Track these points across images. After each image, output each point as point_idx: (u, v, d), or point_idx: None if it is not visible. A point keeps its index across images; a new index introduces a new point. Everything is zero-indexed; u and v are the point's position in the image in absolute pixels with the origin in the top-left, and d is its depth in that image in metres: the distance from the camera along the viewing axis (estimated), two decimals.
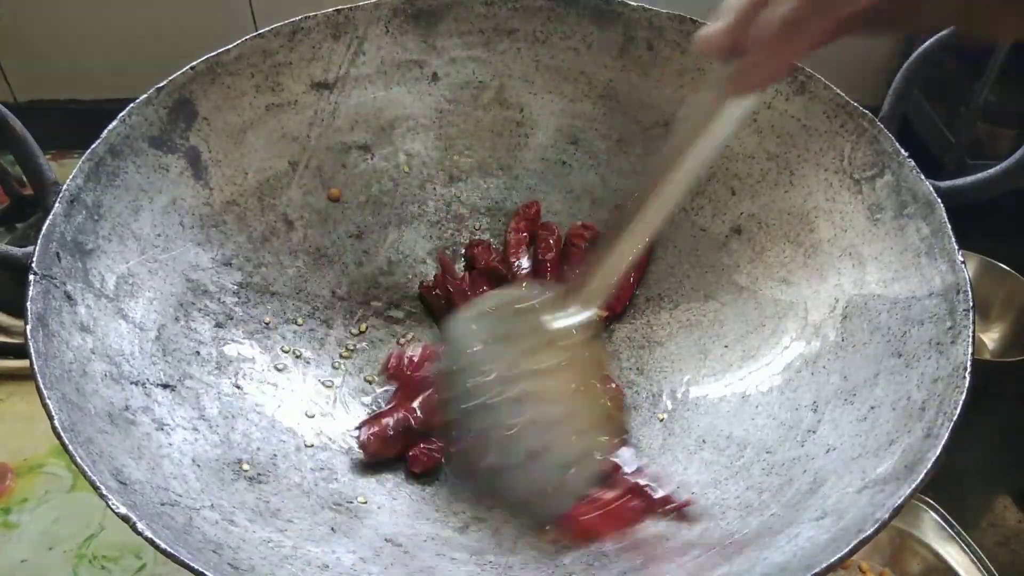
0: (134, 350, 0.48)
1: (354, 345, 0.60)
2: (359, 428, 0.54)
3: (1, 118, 0.49)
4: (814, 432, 0.49)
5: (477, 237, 0.66)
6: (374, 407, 0.56)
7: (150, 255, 0.52)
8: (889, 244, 0.53)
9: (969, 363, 0.44)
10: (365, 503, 0.49)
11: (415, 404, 0.54)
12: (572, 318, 0.42)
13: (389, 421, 0.53)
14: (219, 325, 0.55)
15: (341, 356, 0.59)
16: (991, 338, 0.78)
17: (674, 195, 0.39)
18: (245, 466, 0.48)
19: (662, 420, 0.56)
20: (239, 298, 0.57)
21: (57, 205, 0.48)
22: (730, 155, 0.62)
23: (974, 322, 0.46)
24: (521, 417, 0.41)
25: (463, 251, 0.66)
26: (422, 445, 0.52)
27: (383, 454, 0.52)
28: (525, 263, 0.63)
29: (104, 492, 0.38)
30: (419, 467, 0.52)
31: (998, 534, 0.65)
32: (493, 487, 0.43)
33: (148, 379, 0.48)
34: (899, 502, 0.40)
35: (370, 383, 0.58)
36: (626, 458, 0.51)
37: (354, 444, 0.53)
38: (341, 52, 0.62)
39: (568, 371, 0.42)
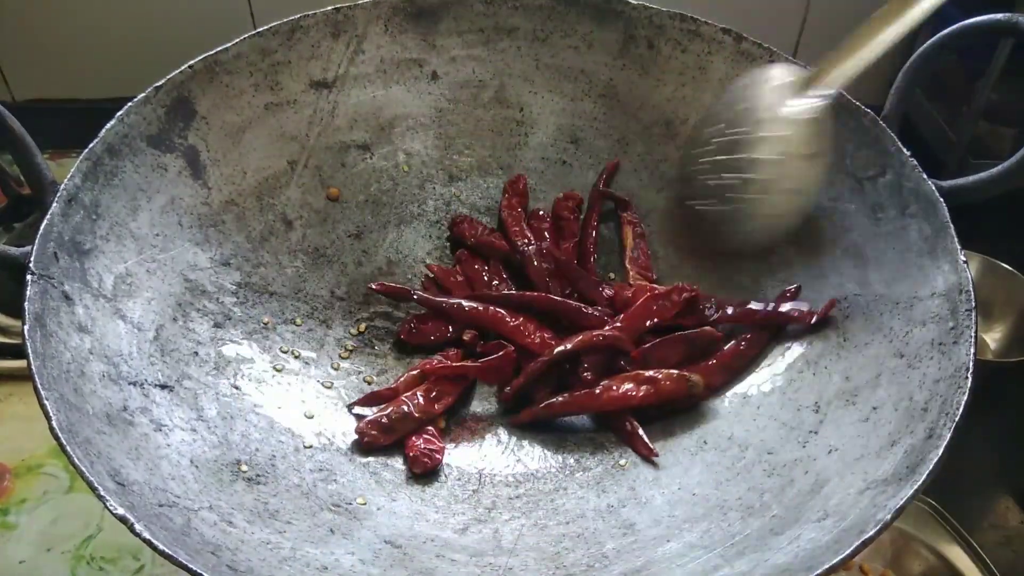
0: (132, 350, 0.48)
1: (353, 346, 0.60)
2: (352, 410, 0.55)
3: None
4: (816, 433, 0.49)
5: (458, 212, 0.66)
6: (373, 408, 0.56)
7: (148, 255, 0.52)
8: (891, 244, 0.53)
9: (971, 363, 0.44)
10: (364, 504, 0.49)
11: (418, 392, 0.54)
12: (805, 99, 0.49)
13: (387, 411, 0.53)
14: (218, 325, 0.54)
15: (340, 357, 0.59)
16: (993, 338, 0.77)
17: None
18: (244, 467, 0.48)
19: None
20: (238, 298, 0.57)
21: (55, 205, 0.48)
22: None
23: (976, 322, 0.46)
24: (750, 166, 0.50)
25: (448, 232, 0.66)
26: (423, 445, 0.52)
27: (378, 443, 0.53)
28: (528, 235, 0.63)
29: (102, 493, 0.38)
30: (419, 468, 0.52)
31: (1000, 535, 0.65)
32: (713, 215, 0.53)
33: (146, 380, 0.48)
34: (901, 503, 0.39)
35: (369, 384, 0.58)
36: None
37: (354, 446, 0.53)
38: (340, 51, 0.62)
39: (793, 141, 0.49)
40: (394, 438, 0.53)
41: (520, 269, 0.61)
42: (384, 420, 0.53)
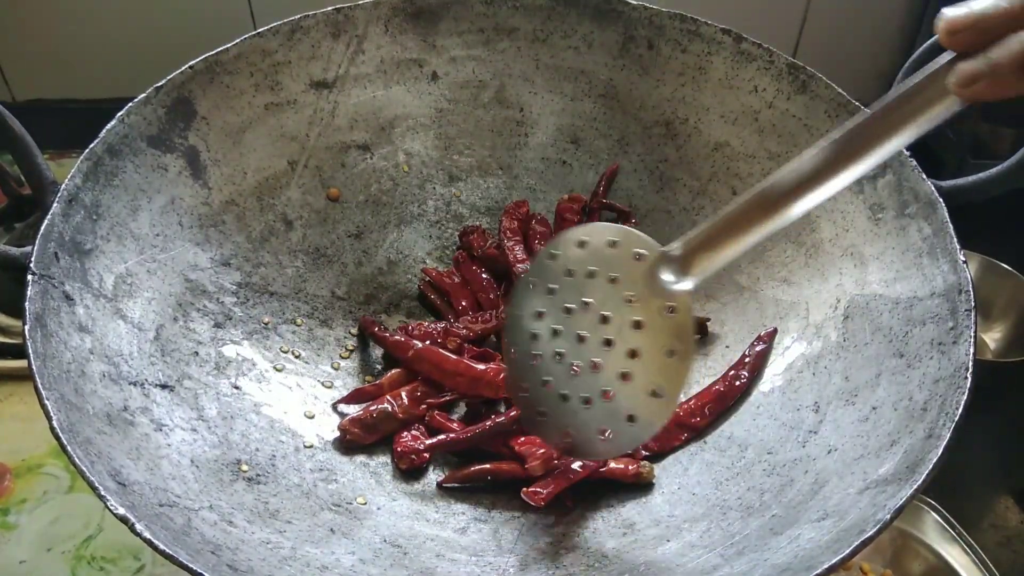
0: (132, 350, 0.48)
1: (353, 345, 0.60)
2: (337, 408, 0.55)
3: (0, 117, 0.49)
4: (815, 433, 0.49)
5: (471, 223, 0.66)
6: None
7: (148, 255, 0.52)
8: (891, 244, 0.53)
9: (971, 363, 0.44)
10: (364, 504, 0.49)
11: (403, 392, 0.55)
12: (674, 283, 0.41)
13: (371, 409, 0.53)
14: (218, 325, 0.55)
15: (340, 356, 0.59)
16: (993, 338, 0.77)
17: (841, 180, 0.36)
18: (244, 467, 0.48)
19: None
20: (238, 298, 0.57)
21: (55, 205, 0.48)
22: (731, 155, 0.62)
23: (976, 322, 0.46)
24: (604, 356, 0.42)
25: (458, 238, 0.66)
26: (411, 442, 0.52)
27: (361, 441, 0.53)
28: (520, 258, 0.62)
29: (103, 493, 0.38)
30: (406, 464, 0.52)
31: (999, 535, 0.65)
32: (552, 411, 0.44)
33: (147, 379, 0.48)
34: (900, 503, 0.39)
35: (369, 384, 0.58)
36: None
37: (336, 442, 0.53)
38: (340, 51, 0.62)
39: (654, 332, 0.42)
40: (376, 437, 0.53)
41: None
42: (367, 418, 0.53)
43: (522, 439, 0.52)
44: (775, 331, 0.56)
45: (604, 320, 0.43)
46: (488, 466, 0.52)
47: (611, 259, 0.43)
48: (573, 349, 0.43)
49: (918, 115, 0.36)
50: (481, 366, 0.55)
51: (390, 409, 0.54)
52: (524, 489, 0.49)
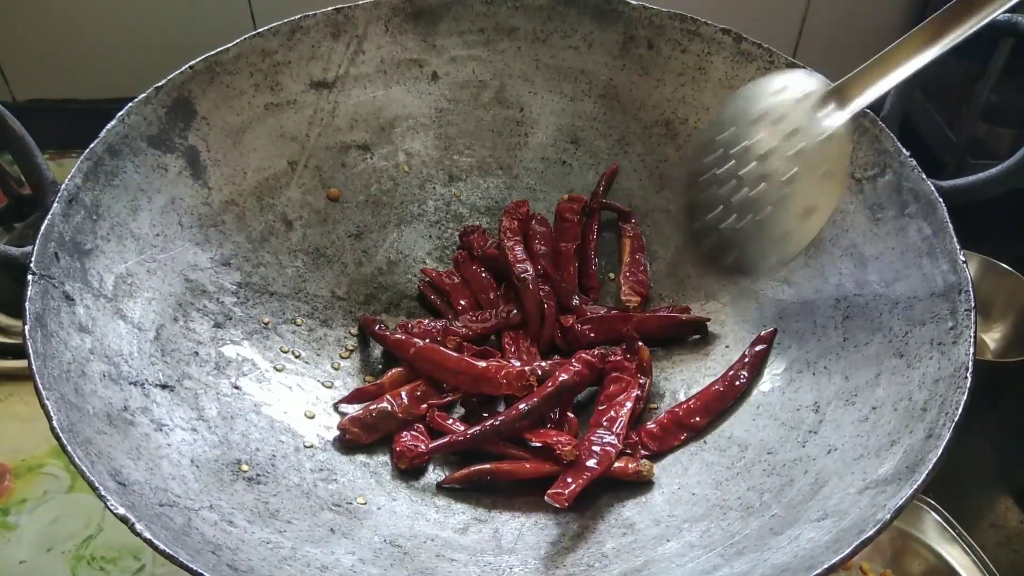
0: (133, 350, 0.48)
1: (353, 345, 0.60)
2: (338, 408, 0.55)
3: (0, 117, 0.49)
4: (815, 433, 0.49)
5: (471, 223, 0.66)
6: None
7: (149, 255, 0.52)
8: (890, 244, 0.53)
9: (971, 363, 0.44)
10: (364, 504, 0.49)
11: (403, 391, 0.54)
12: (831, 115, 0.47)
13: (371, 408, 0.53)
14: (218, 325, 0.55)
15: (340, 356, 0.59)
16: (993, 338, 0.77)
17: (959, 35, 0.43)
18: (244, 467, 0.48)
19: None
20: (238, 298, 0.57)
21: (55, 205, 0.48)
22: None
23: (976, 322, 0.46)
24: (763, 182, 0.47)
25: (458, 238, 0.66)
26: (410, 442, 0.52)
27: (360, 440, 0.53)
28: (520, 258, 0.62)
29: (103, 493, 0.38)
30: (404, 463, 0.52)
31: (999, 535, 0.65)
32: (712, 231, 0.50)
33: (147, 379, 0.48)
34: (900, 503, 0.39)
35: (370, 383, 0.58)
36: None
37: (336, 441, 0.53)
38: (340, 51, 0.62)
39: (811, 159, 0.47)
40: (376, 437, 0.53)
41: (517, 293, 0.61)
42: (367, 418, 0.53)
43: (540, 432, 0.52)
44: (775, 331, 0.56)
45: (768, 154, 0.47)
46: (489, 466, 0.51)
47: (777, 103, 0.48)
48: (737, 182, 0.49)
49: None
50: (482, 363, 0.55)
51: (390, 408, 0.54)
52: (548, 492, 0.48)
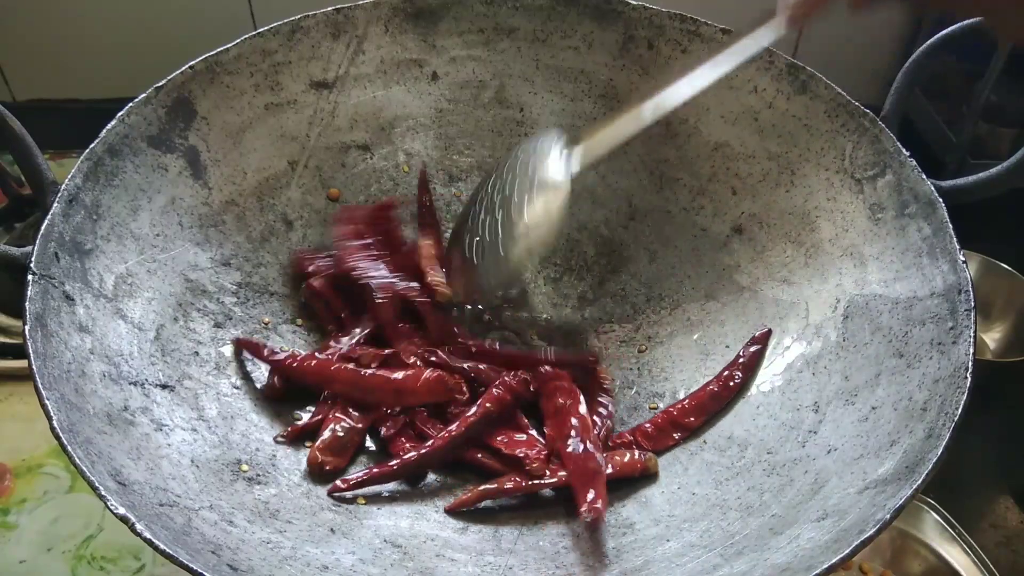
0: (133, 350, 0.48)
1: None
2: (278, 440, 0.51)
3: (0, 117, 0.49)
4: (815, 433, 0.49)
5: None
6: None
7: (149, 255, 0.52)
8: (890, 244, 0.53)
9: (971, 363, 0.44)
10: (364, 504, 0.49)
11: (349, 408, 0.52)
12: (557, 172, 0.52)
13: (334, 428, 0.50)
14: (218, 325, 0.55)
15: None
16: (992, 338, 0.77)
17: (691, 87, 0.49)
18: (244, 467, 0.48)
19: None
20: (238, 298, 0.57)
21: (55, 205, 0.48)
22: (731, 155, 0.62)
23: (975, 322, 0.46)
24: (501, 229, 0.52)
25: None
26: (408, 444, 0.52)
27: (339, 467, 0.50)
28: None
29: (103, 493, 0.38)
30: (315, 471, 0.50)
31: (999, 535, 0.65)
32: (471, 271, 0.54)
33: (147, 379, 0.48)
34: (900, 503, 0.39)
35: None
36: None
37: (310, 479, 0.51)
38: (340, 51, 0.62)
39: (535, 203, 0.52)
40: (350, 456, 0.51)
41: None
42: (333, 441, 0.50)
43: (500, 439, 0.51)
44: (769, 332, 0.56)
45: (509, 201, 0.53)
46: (494, 486, 0.50)
47: (531, 157, 0.54)
48: (489, 226, 0.54)
49: (753, 41, 0.48)
50: (398, 375, 0.52)
51: (350, 423, 0.51)
52: (579, 510, 0.47)
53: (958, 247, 0.49)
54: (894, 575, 0.61)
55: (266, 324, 0.57)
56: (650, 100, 0.51)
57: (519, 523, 0.49)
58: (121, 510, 0.38)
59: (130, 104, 0.53)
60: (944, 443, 0.41)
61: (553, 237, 0.52)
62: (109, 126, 0.52)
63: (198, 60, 0.56)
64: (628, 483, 0.51)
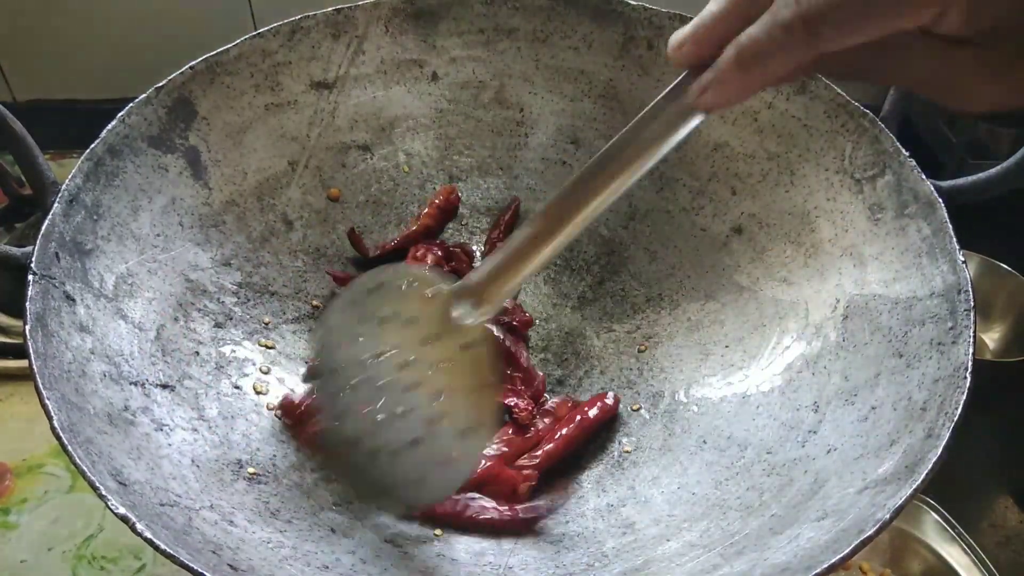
0: (133, 350, 0.48)
1: None
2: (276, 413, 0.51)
3: (0, 118, 0.49)
4: (815, 432, 0.49)
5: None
6: None
7: (149, 255, 0.52)
8: (890, 244, 0.53)
9: (970, 363, 0.44)
10: (365, 504, 0.49)
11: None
12: (468, 317, 0.41)
13: None
14: (218, 325, 0.55)
15: None
16: (992, 338, 0.77)
17: (601, 204, 0.37)
18: (245, 466, 0.48)
19: (661, 419, 0.56)
20: (238, 298, 0.57)
21: (56, 205, 0.48)
22: (731, 155, 0.62)
23: (975, 322, 0.46)
24: (408, 402, 0.41)
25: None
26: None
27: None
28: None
29: (103, 493, 0.38)
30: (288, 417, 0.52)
31: (999, 535, 0.65)
32: (366, 469, 0.42)
33: (147, 379, 0.48)
34: (900, 503, 0.39)
35: None
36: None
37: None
38: (341, 52, 0.62)
39: (456, 368, 0.41)
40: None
41: None
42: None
43: (506, 390, 0.52)
44: (618, 401, 0.56)
45: (406, 364, 0.41)
46: (488, 518, 0.48)
47: (407, 301, 0.42)
48: (377, 399, 0.41)
49: (665, 134, 0.36)
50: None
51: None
52: (517, 487, 0.48)
53: (958, 247, 0.49)
54: (894, 575, 0.61)
55: (266, 324, 0.57)
56: (547, 218, 0.38)
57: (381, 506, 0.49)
58: (121, 510, 0.38)
59: (130, 104, 0.53)
60: (944, 443, 0.41)
61: (497, 414, 0.44)
62: (109, 126, 0.52)
63: (198, 60, 0.56)
64: (629, 479, 0.51)
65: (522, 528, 0.48)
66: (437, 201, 0.63)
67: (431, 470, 0.41)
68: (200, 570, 0.37)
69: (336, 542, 0.45)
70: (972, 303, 0.47)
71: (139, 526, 0.37)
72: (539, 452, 0.52)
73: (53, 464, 0.65)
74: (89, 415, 0.43)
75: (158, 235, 0.53)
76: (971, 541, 0.60)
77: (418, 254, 0.62)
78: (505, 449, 0.52)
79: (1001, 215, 0.75)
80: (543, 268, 0.41)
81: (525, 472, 0.50)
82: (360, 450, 0.42)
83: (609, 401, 0.55)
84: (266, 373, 0.55)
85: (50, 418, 0.40)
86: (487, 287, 0.40)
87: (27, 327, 0.43)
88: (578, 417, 0.54)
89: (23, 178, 0.51)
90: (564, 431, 0.53)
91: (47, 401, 0.40)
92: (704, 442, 0.53)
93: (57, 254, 0.47)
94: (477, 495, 0.49)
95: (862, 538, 0.39)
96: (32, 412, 0.68)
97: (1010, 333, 0.76)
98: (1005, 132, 0.89)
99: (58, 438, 0.39)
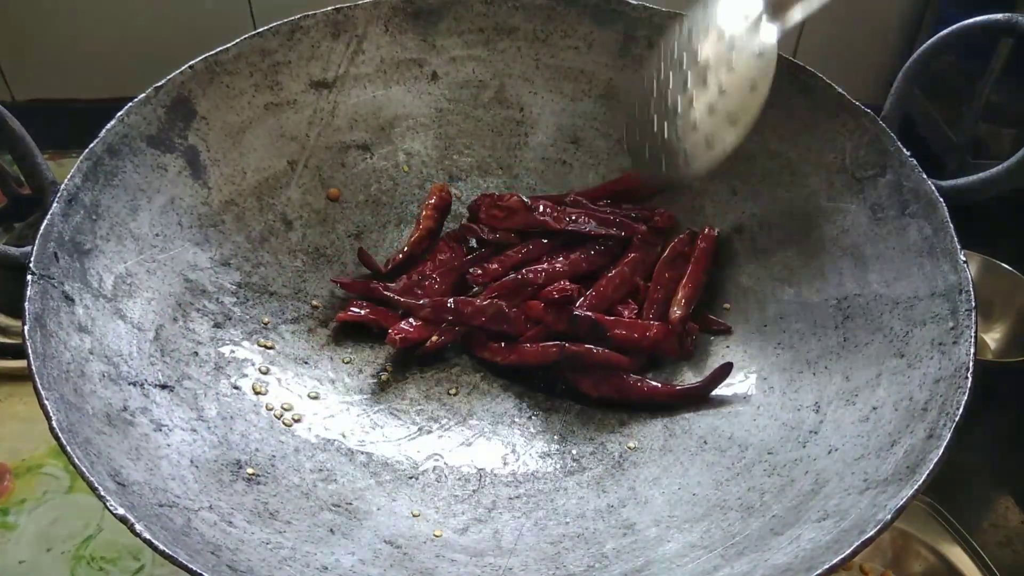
0: (132, 350, 0.48)
1: (354, 345, 0.59)
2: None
3: None
4: (816, 433, 0.49)
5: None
6: (374, 408, 0.56)
7: (148, 255, 0.52)
8: (891, 244, 0.53)
9: (971, 363, 0.44)
10: (364, 504, 0.49)
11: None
12: (763, 34, 0.50)
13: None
14: (217, 325, 0.54)
15: (342, 360, 0.59)
16: (993, 338, 0.77)
17: None
18: (244, 467, 0.48)
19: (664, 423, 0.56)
20: (237, 298, 0.57)
21: (55, 205, 0.48)
22: (731, 155, 0.61)
23: (976, 322, 0.46)
24: (699, 90, 0.51)
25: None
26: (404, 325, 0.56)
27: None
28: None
29: (102, 493, 0.38)
30: (402, 343, 0.56)
31: (1000, 535, 0.65)
32: (658, 139, 0.53)
33: (146, 380, 0.48)
34: (901, 503, 0.39)
35: (374, 379, 0.58)
36: None
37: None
38: (340, 51, 0.62)
39: (743, 70, 0.50)
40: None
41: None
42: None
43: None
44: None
45: (706, 66, 0.51)
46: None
47: (726, 17, 0.52)
48: (679, 91, 0.52)
49: None
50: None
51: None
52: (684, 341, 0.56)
53: (959, 247, 0.49)
54: (895, 575, 0.60)
55: (266, 324, 0.57)
56: None
57: (519, 523, 0.49)
58: (120, 510, 0.37)
59: (130, 104, 0.53)
60: (945, 443, 0.41)
61: (760, 110, 0.50)
62: (109, 126, 0.52)
63: (197, 60, 0.56)
64: (629, 480, 0.51)
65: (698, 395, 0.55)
66: (432, 201, 0.63)
67: (701, 147, 0.51)
68: (199, 571, 0.37)
69: (336, 542, 0.45)
70: (973, 303, 0.46)
71: (138, 527, 0.37)
72: (681, 299, 0.58)
73: (52, 464, 0.65)
74: (88, 415, 0.43)
75: (157, 235, 0.53)
76: (972, 541, 0.60)
77: (442, 257, 0.63)
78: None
79: (1001, 215, 0.75)
80: None
81: (689, 326, 0.58)
82: (656, 127, 0.53)
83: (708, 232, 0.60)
84: (265, 373, 0.55)
85: (49, 418, 0.40)
86: (786, 6, 0.49)
87: (26, 327, 0.43)
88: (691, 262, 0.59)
89: (22, 178, 0.51)
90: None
91: (46, 401, 0.40)
92: (705, 442, 0.53)
93: (56, 254, 0.46)
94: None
95: (863, 539, 0.38)
96: (31, 412, 0.68)
97: (1011, 333, 0.76)
98: (1006, 132, 0.89)
99: (57, 438, 0.39)
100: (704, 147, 0.51)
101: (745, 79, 0.49)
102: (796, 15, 0.49)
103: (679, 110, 0.51)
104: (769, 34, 0.49)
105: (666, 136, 0.52)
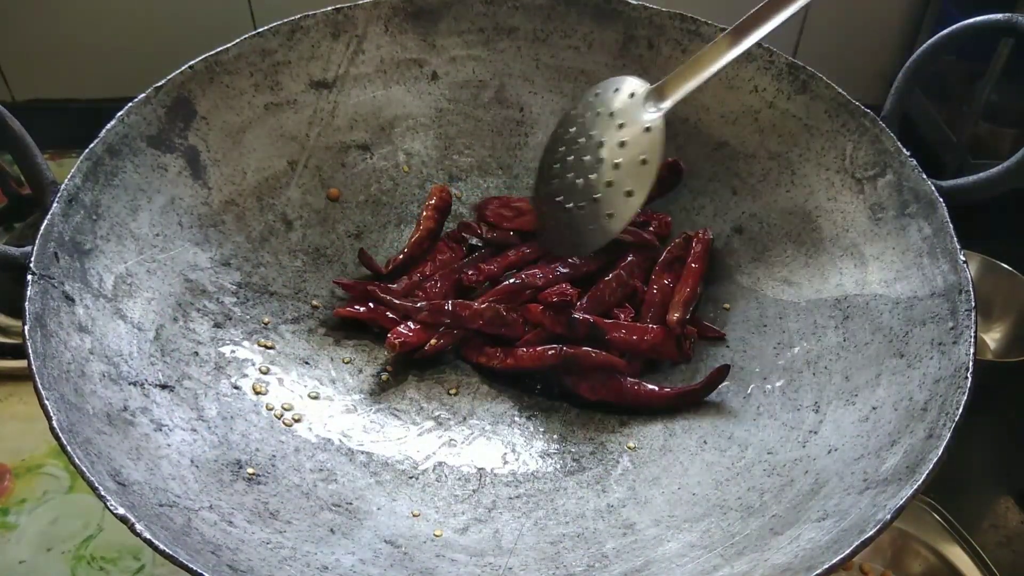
0: (132, 350, 0.48)
1: (354, 345, 0.59)
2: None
3: None
4: (816, 433, 0.49)
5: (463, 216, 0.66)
6: (374, 408, 0.56)
7: (148, 255, 0.52)
8: (891, 244, 0.53)
9: (971, 363, 0.44)
10: (364, 504, 0.49)
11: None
12: (652, 108, 0.54)
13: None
14: (218, 325, 0.55)
15: (342, 361, 0.59)
16: (993, 338, 0.77)
17: (771, 26, 0.49)
18: (244, 467, 0.48)
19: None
20: (238, 298, 0.57)
21: (55, 205, 0.48)
22: (731, 154, 0.62)
23: (976, 322, 0.46)
24: (597, 170, 0.54)
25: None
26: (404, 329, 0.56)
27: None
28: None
29: (102, 493, 0.38)
30: (401, 348, 0.55)
31: (1000, 535, 0.65)
32: (558, 219, 0.57)
33: (146, 380, 0.48)
34: (901, 503, 0.39)
35: (375, 378, 0.58)
36: None
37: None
38: (340, 51, 0.62)
39: (634, 146, 0.53)
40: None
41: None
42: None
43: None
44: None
45: (600, 145, 0.55)
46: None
47: (613, 100, 0.56)
48: (578, 169, 0.56)
49: None
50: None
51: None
52: (683, 343, 0.57)
53: (959, 247, 0.49)
54: (895, 575, 0.60)
55: (266, 324, 0.57)
56: (732, 33, 0.51)
57: (519, 523, 0.49)
58: (121, 510, 0.38)
59: (130, 104, 0.53)
60: (945, 443, 0.41)
61: (653, 183, 0.52)
62: (109, 126, 0.52)
63: (198, 60, 0.56)
64: (629, 480, 0.51)
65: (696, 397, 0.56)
66: (432, 202, 0.63)
67: (599, 221, 0.54)
68: (199, 571, 0.37)
69: (336, 542, 0.45)
70: (973, 303, 0.47)
71: (138, 526, 0.37)
72: (679, 301, 0.59)
73: (52, 464, 0.65)
74: (88, 415, 0.43)
75: (157, 235, 0.53)
76: (972, 541, 0.60)
77: (442, 258, 0.63)
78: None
79: (1001, 215, 0.75)
80: (714, 76, 0.52)
81: (687, 329, 0.58)
82: (558, 204, 0.56)
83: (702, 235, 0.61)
84: (265, 373, 0.55)
85: (49, 418, 0.40)
86: (667, 87, 0.53)
87: (26, 327, 0.43)
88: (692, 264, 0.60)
89: (22, 178, 0.51)
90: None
91: (46, 401, 0.40)
92: (704, 442, 0.53)
93: (56, 254, 0.46)
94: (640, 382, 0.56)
95: (863, 539, 0.38)
96: (31, 412, 0.68)
97: (1010, 333, 0.76)
98: (1006, 132, 0.89)
99: (57, 438, 0.39)
100: (606, 221, 0.54)
101: (636, 155, 0.53)
102: (677, 95, 0.53)
103: (584, 186, 0.55)
104: (653, 113, 0.53)
105: (574, 210, 0.55)
